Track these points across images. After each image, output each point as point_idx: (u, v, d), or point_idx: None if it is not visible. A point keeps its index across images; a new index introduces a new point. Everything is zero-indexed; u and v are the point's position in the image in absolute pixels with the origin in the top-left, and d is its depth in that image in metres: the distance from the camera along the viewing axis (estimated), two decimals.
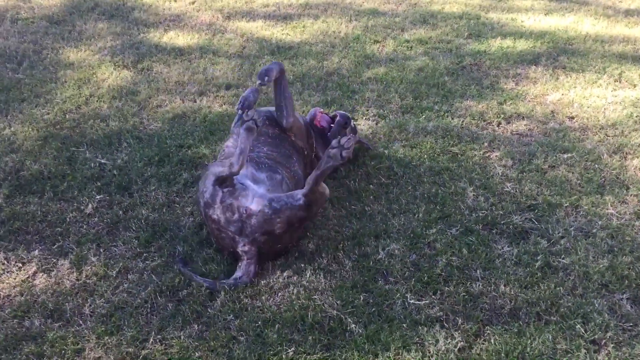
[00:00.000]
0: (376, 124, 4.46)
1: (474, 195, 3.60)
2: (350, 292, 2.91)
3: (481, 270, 3.05)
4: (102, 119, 4.50)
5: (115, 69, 5.30)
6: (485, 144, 4.15)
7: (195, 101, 4.78)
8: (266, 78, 3.36)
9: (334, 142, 2.90)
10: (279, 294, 2.90)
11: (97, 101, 4.76)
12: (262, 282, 2.96)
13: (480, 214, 3.44)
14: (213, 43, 5.94)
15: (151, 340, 2.67)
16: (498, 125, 4.44)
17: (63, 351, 2.61)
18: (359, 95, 4.85)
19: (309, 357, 2.57)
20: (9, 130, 4.34)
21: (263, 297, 2.87)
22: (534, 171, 3.87)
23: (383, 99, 4.80)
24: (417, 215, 3.44)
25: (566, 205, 3.54)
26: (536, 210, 3.49)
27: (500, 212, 3.46)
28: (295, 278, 2.99)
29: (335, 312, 2.78)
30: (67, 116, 4.54)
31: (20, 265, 3.11)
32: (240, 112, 3.26)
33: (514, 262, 3.11)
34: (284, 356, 2.57)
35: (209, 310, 2.81)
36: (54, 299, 2.89)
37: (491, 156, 4.03)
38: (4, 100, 4.75)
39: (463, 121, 4.47)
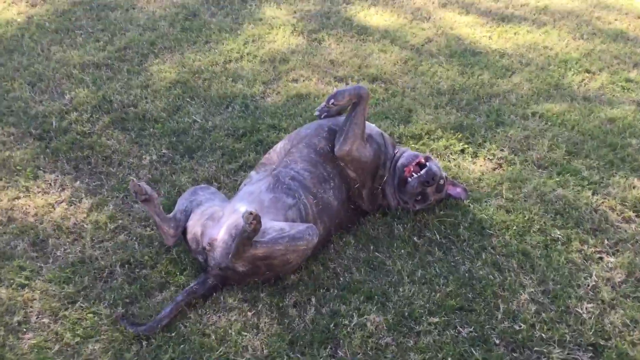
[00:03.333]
0: (494, 169, 3.65)
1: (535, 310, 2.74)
2: (281, 345, 2.50)
3: None
4: (234, 78, 4.55)
5: (291, 34, 5.28)
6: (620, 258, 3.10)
7: (326, 84, 4.50)
8: (332, 101, 3.02)
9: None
10: (220, 318, 2.66)
11: (245, 61, 4.82)
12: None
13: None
14: (400, 29, 5.48)
15: (79, 303, 2.71)
16: None
17: (13, 280, 2.81)
18: (504, 129, 4.01)
19: None
20: (159, 67, 4.67)
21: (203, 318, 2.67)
22: None
23: (528, 142, 3.90)
24: (434, 296, 2.77)
25: None
26: None
27: None
28: (243, 306, 2.70)
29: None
30: (210, 68, 4.69)
31: (59, 190, 3.37)
32: (317, 114, 3.31)
33: None
34: None
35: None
36: (50, 232, 3.10)
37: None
38: (184, 39, 5.11)
39: (602, 203, 3.38)
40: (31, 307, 2.67)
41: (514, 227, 3.17)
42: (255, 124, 3.98)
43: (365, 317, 2.66)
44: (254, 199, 2.89)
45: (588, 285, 2.85)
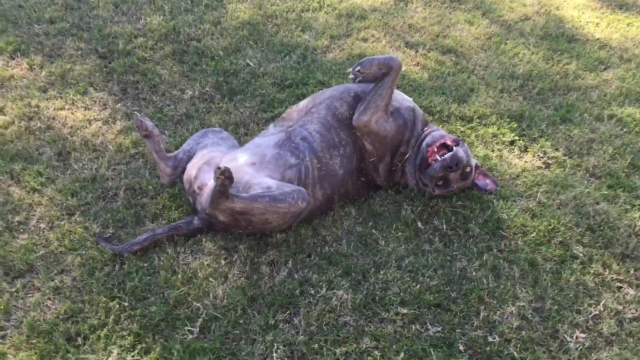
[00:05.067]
0: (539, 168, 3.34)
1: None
2: (241, 299, 2.52)
3: None
4: (304, 28, 4.47)
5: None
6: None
7: (395, 48, 4.30)
8: (358, 68, 2.89)
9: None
10: (194, 260, 2.71)
11: (322, 12, 4.71)
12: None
13: None
14: (499, 1, 5.07)
15: (76, 216, 2.88)
16: None
17: (29, 183, 3.03)
18: (568, 127, 3.64)
19: None
20: (236, 5, 4.74)
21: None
22: None
23: (591, 146, 3.52)
24: (413, 287, 2.63)
25: None
26: None
27: None
28: (220, 253, 2.73)
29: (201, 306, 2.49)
30: (285, 14, 4.69)
31: (101, 108, 3.55)
32: (352, 75, 3.07)
33: None
34: None
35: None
36: (77, 145, 3.29)
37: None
38: None
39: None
40: (34, 211, 2.85)
41: (533, 234, 2.90)
42: (306, 77, 3.90)
43: (334, 291, 2.57)
44: (258, 151, 2.85)
45: (590, 314, 2.56)
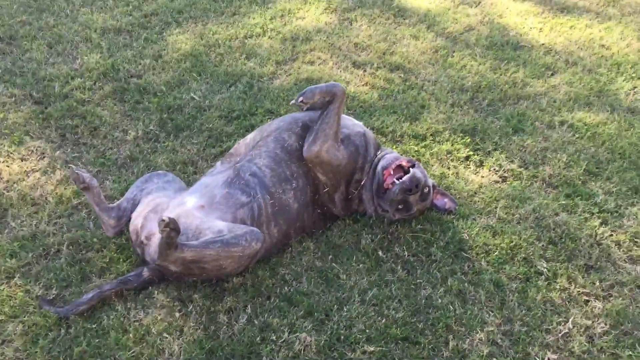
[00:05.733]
0: (496, 182, 3.30)
1: None
2: (199, 353, 2.38)
3: None
4: (248, 55, 4.37)
5: (323, 11, 5.02)
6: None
7: (342, 70, 4.23)
8: (301, 99, 2.78)
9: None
10: (146, 315, 2.55)
11: (266, 37, 4.62)
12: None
13: None
14: (442, 14, 5.07)
15: (15, 279, 2.71)
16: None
17: None
18: (521, 137, 3.63)
19: None
20: (177, 37, 4.62)
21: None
22: None
23: (545, 155, 3.51)
24: (379, 321, 2.54)
25: None
26: None
27: None
28: (173, 305, 2.56)
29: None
30: (228, 43, 4.57)
31: (38, 158, 3.36)
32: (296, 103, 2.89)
33: None
34: None
35: None
36: (15, 201, 3.10)
37: None
38: (212, 9, 5.06)
39: (609, 236, 2.98)
40: None
41: (496, 253, 2.83)
42: (253, 107, 3.79)
43: (296, 334, 2.45)
44: (207, 192, 2.73)
45: (560, 332, 2.50)
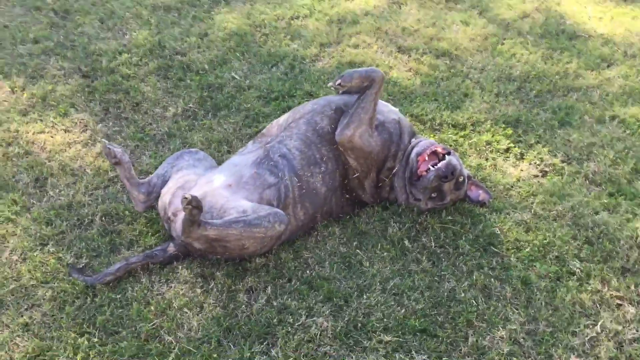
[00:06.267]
0: (535, 176, 3.19)
1: None
2: (216, 330, 2.40)
3: None
4: (293, 37, 4.37)
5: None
6: None
7: (387, 54, 4.16)
8: (339, 82, 2.77)
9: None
10: (169, 289, 2.59)
11: (312, 19, 4.60)
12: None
13: None
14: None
15: (49, 246, 2.78)
16: None
17: (3, 212, 2.95)
18: (567, 131, 3.49)
19: None
20: (224, 16, 4.67)
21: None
22: None
23: (591, 150, 3.36)
24: (398, 311, 2.49)
25: None
26: None
27: None
28: (196, 281, 2.61)
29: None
30: (274, 23, 4.59)
31: (81, 130, 3.47)
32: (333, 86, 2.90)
33: None
34: None
35: None
36: (55, 171, 3.19)
37: None
38: None
39: None
40: (8, 242, 2.77)
41: (527, 249, 2.74)
42: (292, 88, 3.78)
43: (314, 319, 2.45)
44: (235, 171, 2.74)
45: (587, 336, 2.40)
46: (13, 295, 2.54)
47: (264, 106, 3.64)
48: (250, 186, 2.68)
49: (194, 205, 2.29)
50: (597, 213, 2.92)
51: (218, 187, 2.66)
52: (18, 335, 2.38)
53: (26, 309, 2.48)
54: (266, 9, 4.70)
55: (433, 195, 2.85)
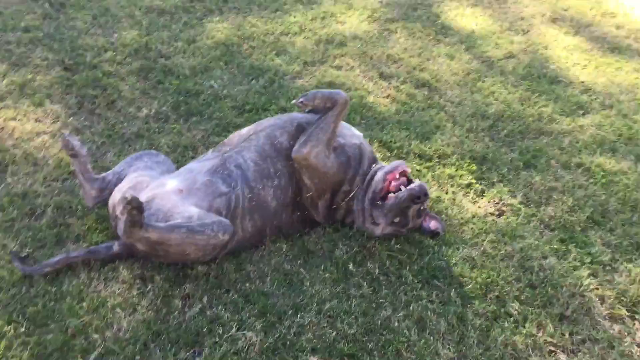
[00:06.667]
0: (491, 214, 3.20)
1: None
2: (144, 333, 2.41)
3: None
4: (278, 52, 4.40)
5: (366, 19, 4.99)
6: None
7: (368, 79, 4.20)
8: (302, 100, 2.81)
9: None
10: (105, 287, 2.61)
11: (301, 37, 4.64)
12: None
13: None
14: (485, 37, 4.95)
15: None
16: None
17: None
18: (530, 173, 3.52)
19: None
20: (216, 25, 4.67)
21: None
22: None
23: (551, 195, 3.38)
24: (329, 334, 2.49)
25: None
26: None
27: None
28: (134, 282, 2.61)
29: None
30: (262, 37, 4.64)
31: (52, 121, 3.52)
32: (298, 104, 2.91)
33: None
34: None
35: None
36: (18, 159, 3.22)
37: None
38: (257, 2, 5.15)
39: (594, 289, 2.84)
40: None
41: (469, 286, 2.75)
42: (268, 102, 3.82)
43: (244, 332, 2.45)
44: (190, 177, 2.76)
45: None
46: None
47: (236, 117, 3.67)
48: (201, 193, 2.70)
49: (134, 206, 2.31)
50: (545, 257, 2.93)
51: (169, 191, 2.68)
52: None
53: None
54: (258, 22, 4.76)
55: (396, 219, 2.85)
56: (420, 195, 2.77)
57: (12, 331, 2.34)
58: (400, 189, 2.84)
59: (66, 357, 2.29)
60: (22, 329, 2.36)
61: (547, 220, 3.18)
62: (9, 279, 2.55)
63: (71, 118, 3.54)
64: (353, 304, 2.61)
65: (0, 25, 4.34)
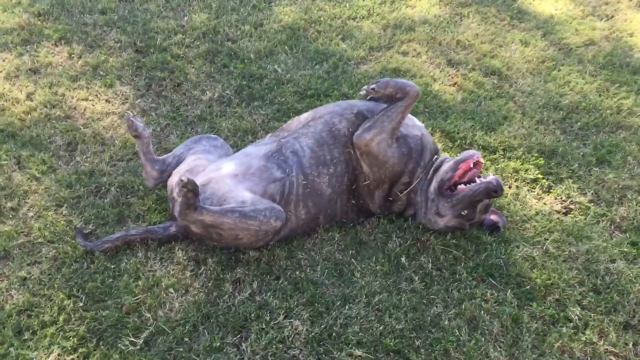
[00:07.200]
0: (557, 212, 3.06)
1: None
2: (194, 315, 2.46)
3: None
4: (344, 37, 4.35)
5: (438, 2, 4.85)
6: None
7: (434, 66, 4.09)
8: (373, 86, 2.79)
9: None
10: (161, 267, 2.69)
11: (369, 21, 4.57)
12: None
13: None
14: (565, 23, 4.69)
15: (63, 208, 2.93)
16: None
17: (31, 170, 3.13)
18: (603, 170, 3.33)
19: None
20: (284, 8, 4.70)
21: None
22: None
23: (624, 194, 3.19)
24: (376, 328, 2.46)
25: None
26: None
27: None
28: (187, 264, 2.68)
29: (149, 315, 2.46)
30: (329, 21, 4.59)
31: (121, 102, 3.63)
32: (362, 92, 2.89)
33: None
34: None
35: None
36: (87, 137, 3.36)
37: None
38: None
39: None
40: (28, 198, 2.94)
41: (527, 287, 2.63)
42: (330, 88, 3.78)
43: (291, 320, 2.45)
44: (245, 161, 2.79)
45: None
46: (20, 249, 2.70)
47: (297, 102, 3.66)
48: (256, 178, 2.71)
49: (189, 189, 2.35)
50: (613, 261, 2.76)
51: (224, 175, 2.71)
52: (14, 288, 2.52)
53: (28, 264, 2.63)
54: (326, 5, 4.71)
55: (463, 212, 2.76)
56: (497, 190, 2.65)
57: (71, 305, 2.44)
58: (475, 180, 2.73)
59: (119, 334, 2.36)
60: (81, 304, 2.46)
61: (618, 221, 2.99)
62: (72, 254, 2.66)
63: (139, 100, 3.63)
64: (403, 299, 2.56)
65: (79, 7, 4.48)
